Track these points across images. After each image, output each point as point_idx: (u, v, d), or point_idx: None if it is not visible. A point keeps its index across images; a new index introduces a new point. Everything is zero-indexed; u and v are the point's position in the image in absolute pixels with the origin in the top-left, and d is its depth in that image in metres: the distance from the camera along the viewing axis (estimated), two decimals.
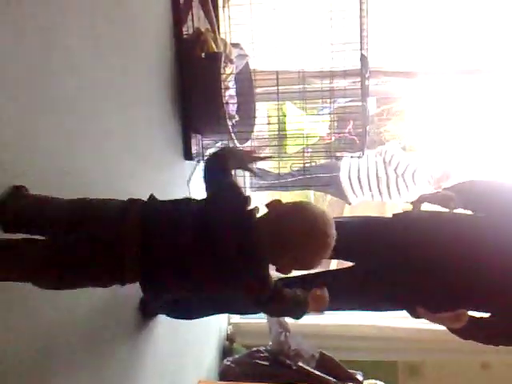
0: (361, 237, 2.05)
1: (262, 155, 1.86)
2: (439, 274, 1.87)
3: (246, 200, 1.32)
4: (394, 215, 2.11)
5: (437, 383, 3.53)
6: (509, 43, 3.44)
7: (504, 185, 2.07)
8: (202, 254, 1.29)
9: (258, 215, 1.32)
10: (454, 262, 1.85)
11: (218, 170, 1.40)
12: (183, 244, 1.29)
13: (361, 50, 2.81)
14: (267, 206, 1.33)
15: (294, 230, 1.26)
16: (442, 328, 2.01)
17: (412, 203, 2.00)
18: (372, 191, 4.09)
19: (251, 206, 1.32)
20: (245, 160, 1.56)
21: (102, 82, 1.99)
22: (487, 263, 1.82)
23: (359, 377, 3.10)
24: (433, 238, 1.93)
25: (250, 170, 1.61)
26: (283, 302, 1.41)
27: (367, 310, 2.19)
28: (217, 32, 2.86)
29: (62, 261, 1.29)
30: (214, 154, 1.48)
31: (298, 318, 1.49)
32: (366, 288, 1.98)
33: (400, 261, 1.94)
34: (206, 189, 1.40)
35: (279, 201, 1.34)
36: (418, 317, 1.90)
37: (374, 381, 3.16)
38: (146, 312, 2.27)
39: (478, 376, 3.46)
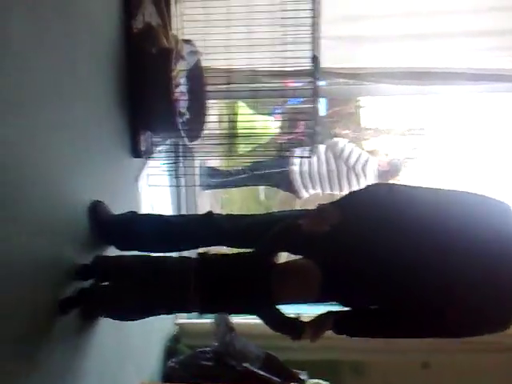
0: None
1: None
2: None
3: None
4: None
5: (379, 382, 3.57)
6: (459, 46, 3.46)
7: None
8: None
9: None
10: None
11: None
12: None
13: (313, 50, 2.81)
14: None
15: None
16: None
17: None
18: (323, 185, 4.13)
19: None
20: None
21: (48, 75, 1.93)
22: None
23: (303, 376, 3.12)
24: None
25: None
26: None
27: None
28: (168, 28, 2.82)
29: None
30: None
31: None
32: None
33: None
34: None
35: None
36: None
37: (317, 380, 3.17)
38: (86, 315, 2.20)
39: (419, 375, 3.52)
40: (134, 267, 2.11)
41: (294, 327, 2.03)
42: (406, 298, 1.90)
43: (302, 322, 2.04)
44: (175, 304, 2.08)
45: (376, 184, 2.21)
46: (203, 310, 2.08)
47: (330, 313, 2.07)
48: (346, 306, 2.15)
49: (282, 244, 2.05)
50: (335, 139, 4.35)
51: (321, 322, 2.06)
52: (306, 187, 4.12)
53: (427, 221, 1.88)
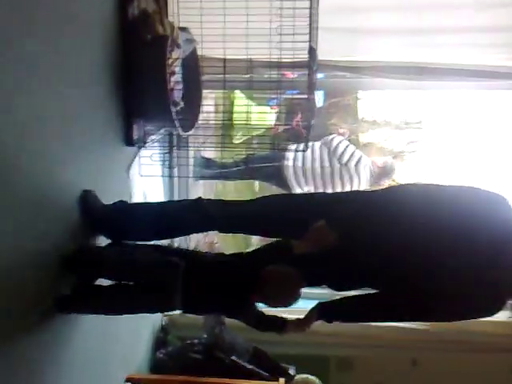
0: None
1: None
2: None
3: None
4: None
5: (368, 378, 3.56)
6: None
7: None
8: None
9: None
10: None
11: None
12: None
13: (310, 41, 2.76)
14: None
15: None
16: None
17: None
18: (316, 182, 4.09)
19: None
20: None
21: (40, 63, 1.89)
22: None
23: (291, 371, 3.11)
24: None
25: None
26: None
27: None
28: (164, 14, 2.76)
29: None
30: None
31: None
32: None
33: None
34: None
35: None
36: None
37: (305, 375, 3.17)
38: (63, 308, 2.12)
39: (408, 372, 3.53)
40: (118, 265, 2.09)
41: (273, 323, 2.07)
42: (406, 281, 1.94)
43: (281, 317, 2.09)
44: (157, 304, 2.07)
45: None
46: (184, 311, 2.08)
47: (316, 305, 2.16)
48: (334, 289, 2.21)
49: (271, 262, 2.05)
50: (331, 136, 4.30)
51: (307, 315, 2.13)
52: (299, 183, 4.08)
53: (428, 218, 1.91)
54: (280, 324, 2.07)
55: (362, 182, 4.10)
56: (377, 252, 1.94)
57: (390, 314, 2.14)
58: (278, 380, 2.91)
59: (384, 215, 1.96)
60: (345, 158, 4.06)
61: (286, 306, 2.00)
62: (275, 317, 2.10)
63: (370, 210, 2.01)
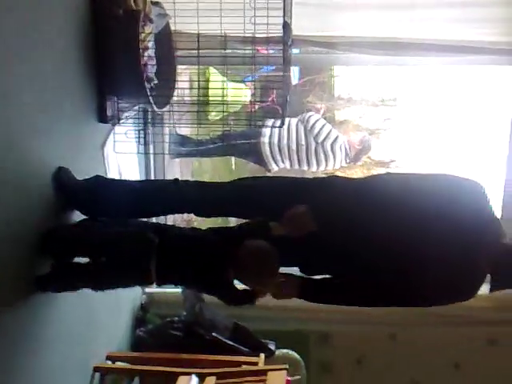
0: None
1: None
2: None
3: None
4: None
5: (347, 353, 3.59)
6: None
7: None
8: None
9: None
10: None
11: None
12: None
13: (284, 16, 2.74)
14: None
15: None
16: None
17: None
18: (292, 159, 4.09)
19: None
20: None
21: (10, 37, 1.86)
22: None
23: (272, 346, 3.12)
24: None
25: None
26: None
27: None
28: None
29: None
30: None
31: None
32: None
33: None
34: None
35: None
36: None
37: (285, 350, 3.19)
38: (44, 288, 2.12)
39: (386, 346, 3.56)
40: (92, 242, 2.07)
41: (246, 298, 2.04)
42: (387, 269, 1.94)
43: (252, 291, 2.04)
44: (133, 279, 2.07)
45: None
46: (159, 284, 2.06)
47: (293, 276, 2.15)
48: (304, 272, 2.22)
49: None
50: (308, 113, 4.29)
51: (284, 282, 2.11)
52: (275, 160, 4.08)
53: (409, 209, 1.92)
54: (251, 294, 2.04)
55: (337, 162, 4.13)
56: (358, 240, 1.94)
57: (368, 301, 2.16)
58: (258, 356, 2.91)
59: (367, 204, 1.96)
60: (321, 138, 4.07)
61: (263, 285, 1.99)
62: (246, 290, 2.07)
63: (352, 198, 2.00)
